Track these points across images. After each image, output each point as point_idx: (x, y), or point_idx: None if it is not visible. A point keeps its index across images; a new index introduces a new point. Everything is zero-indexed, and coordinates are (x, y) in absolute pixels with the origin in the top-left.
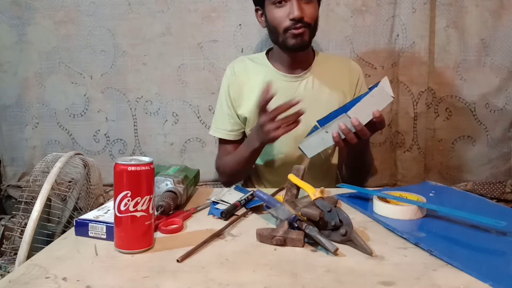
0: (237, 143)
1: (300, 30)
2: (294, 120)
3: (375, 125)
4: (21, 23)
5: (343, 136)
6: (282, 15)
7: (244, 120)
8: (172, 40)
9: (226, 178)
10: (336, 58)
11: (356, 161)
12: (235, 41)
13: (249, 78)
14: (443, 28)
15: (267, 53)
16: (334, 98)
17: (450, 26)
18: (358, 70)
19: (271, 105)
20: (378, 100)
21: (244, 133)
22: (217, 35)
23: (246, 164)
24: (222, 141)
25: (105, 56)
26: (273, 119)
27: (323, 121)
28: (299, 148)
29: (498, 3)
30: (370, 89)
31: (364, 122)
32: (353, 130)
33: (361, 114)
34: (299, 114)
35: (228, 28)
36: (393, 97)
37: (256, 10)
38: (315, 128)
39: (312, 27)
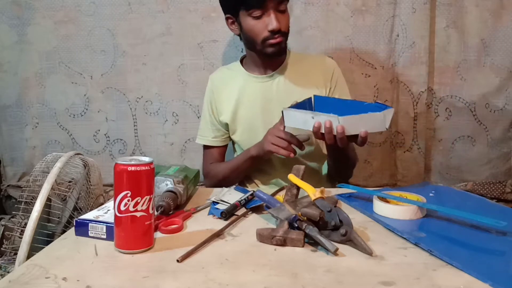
0: (221, 149)
1: (278, 40)
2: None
3: (355, 140)
4: (21, 23)
5: (322, 130)
6: (261, 26)
7: (226, 126)
8: (172, 40)
9: (216, 183)
10: (310, 56)
11: (336, 153)
12: (235, 41)
13: (226, 85)
14: (443, 28)
15: (241, 60)
16: (307, 95)
17: (450, 26)
18: (332, 65)
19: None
20: (373, 124)
21: (229, 138)
22: (217, 35)
23: (239, 172)
24: (207, 148)
25: (105, 56)
26: (282, 138)
27: (318, 100)
28: (282, 111)
29: (498, 3)
30: (375, 105)
31: (348, 133)
32: (334, 133)
33: (351, 125)
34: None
35: (228, 28)
36: (387, 129)
37: (227, 19)
38: (308, 100)
39: (287, 34)
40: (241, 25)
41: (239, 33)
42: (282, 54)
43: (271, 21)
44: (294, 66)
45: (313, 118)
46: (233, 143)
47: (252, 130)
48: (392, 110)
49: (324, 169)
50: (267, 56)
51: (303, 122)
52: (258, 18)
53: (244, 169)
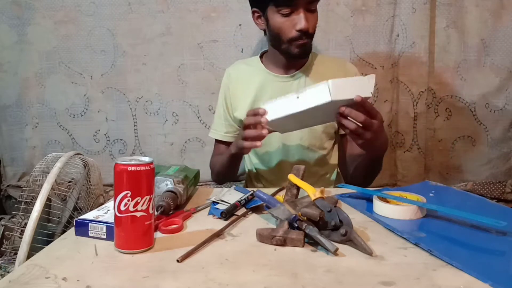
0: (230, 144)
1: (304, 41)
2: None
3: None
4: (21, 23)
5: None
6: (289, 25)
7: (240, 122)
8: (172, 40)
9: (215, 177)
10: (332, 59)
11: (373, 156)
12: (235, 41)
13: (244, 81)
14: (443, 28)
15: (261, 56)
16: None
17: (450, 26)
18: (354, 71)
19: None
20: (360, 88)
21: None
22: (217, 35)
23: (227, 167)
24: (217, 141)
25: (105, 56)
26: (254, 125)
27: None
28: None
29: (498, 3)
30: None
31: (342, 98)
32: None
33: (341, 89)
34: (262, 135)
35: (228, 28)
36: (372, 95)
37: (253, 12)
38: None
39: (313, 35)
40: (268, 21)
41: (264, 28)
42: (307, 56)
43: (299, 20)
44: (316, 68)
45: (298, 98)
46: None
47: None
48: (373, 75)
49: (333, 175)
50: (291, 56)
51: (287, 107)
52: (286, 15)
53: (230, 165)
